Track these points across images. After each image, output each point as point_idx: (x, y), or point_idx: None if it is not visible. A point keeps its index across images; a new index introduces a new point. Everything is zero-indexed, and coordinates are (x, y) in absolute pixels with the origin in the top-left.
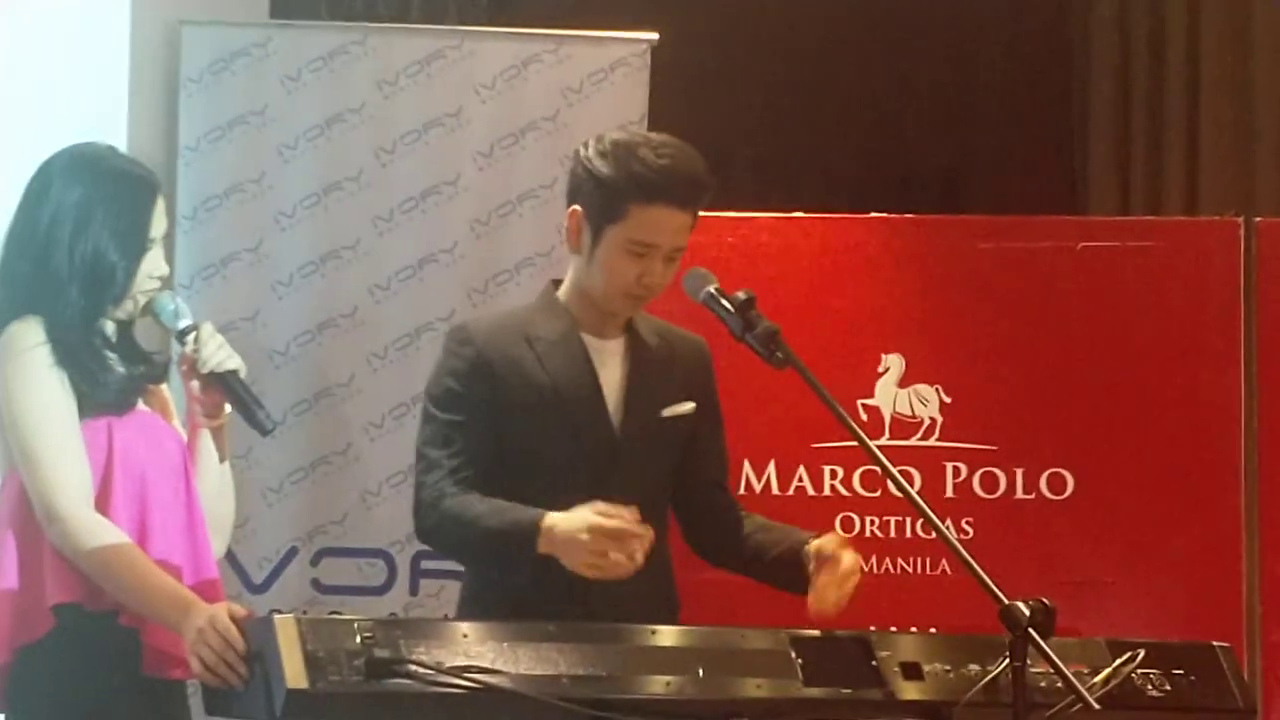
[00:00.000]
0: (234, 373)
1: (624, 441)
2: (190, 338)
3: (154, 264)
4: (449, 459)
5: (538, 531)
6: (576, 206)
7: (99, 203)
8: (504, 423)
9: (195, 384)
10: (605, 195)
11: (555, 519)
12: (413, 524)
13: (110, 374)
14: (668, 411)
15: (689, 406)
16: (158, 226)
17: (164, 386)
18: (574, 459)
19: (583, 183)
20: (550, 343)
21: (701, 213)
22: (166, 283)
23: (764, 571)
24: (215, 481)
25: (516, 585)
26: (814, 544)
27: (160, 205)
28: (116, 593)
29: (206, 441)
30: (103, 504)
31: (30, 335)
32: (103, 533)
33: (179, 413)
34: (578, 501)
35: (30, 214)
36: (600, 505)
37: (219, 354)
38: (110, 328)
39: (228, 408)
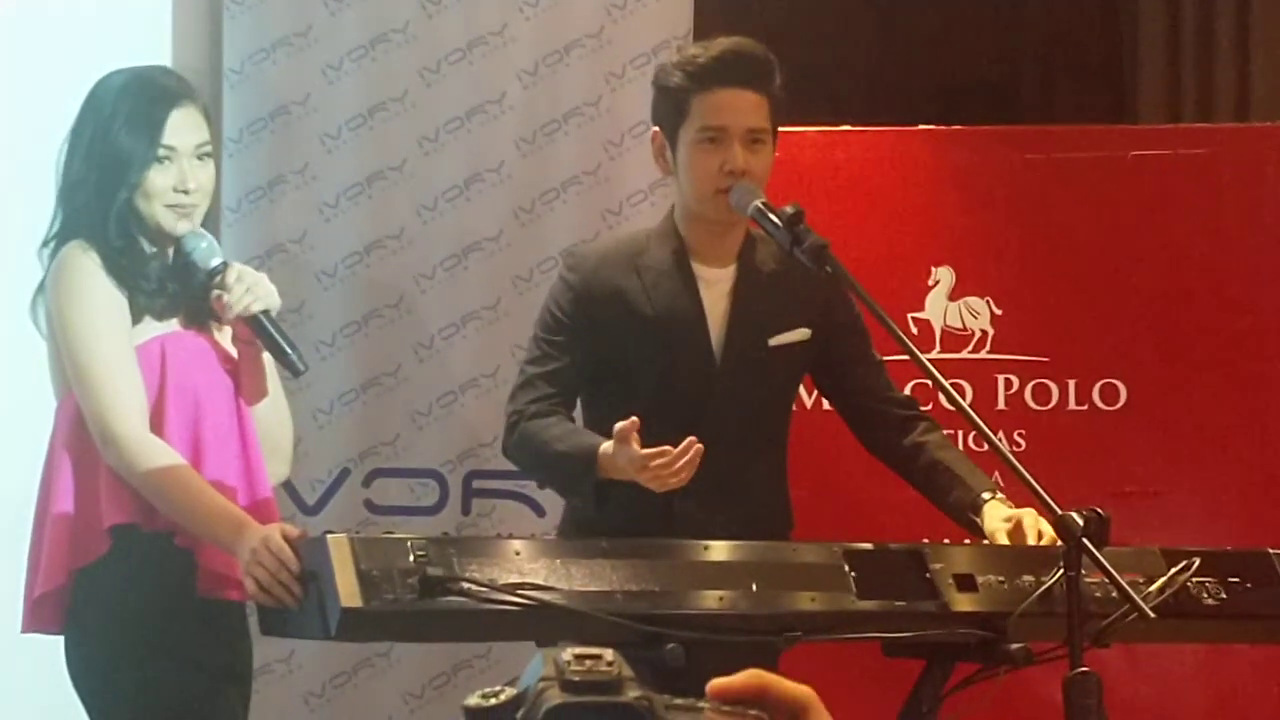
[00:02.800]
0: (265, 313)
1: (724, 372)
2: (218, 279)
3: (175, 176)
4: (539, 380)
5: (595, 456)
6: (655, 127)
7: (120, 105)
8: (603, 351)
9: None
10: (671, 101)
11: (608, 450)
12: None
13: (153, 274)
14: (776, 340)
15: (802, 333)
16: (177, 134)
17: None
18: (671, 389)
19: (654, 102)
20: (659, 272)
21: None
22: (214, 206)
23: (937, 502)
24: (273, 402)
25: (606, 516)
26: (1005, 525)
27: (181, 114)
28: (171, 513)
29: (260, 365)
30: (156, 424)
31: (82, 257)
32: (158, 453)
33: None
34: (673, 431)
35: (77, 131)
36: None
37: (245, 297)
38: (144, 242)
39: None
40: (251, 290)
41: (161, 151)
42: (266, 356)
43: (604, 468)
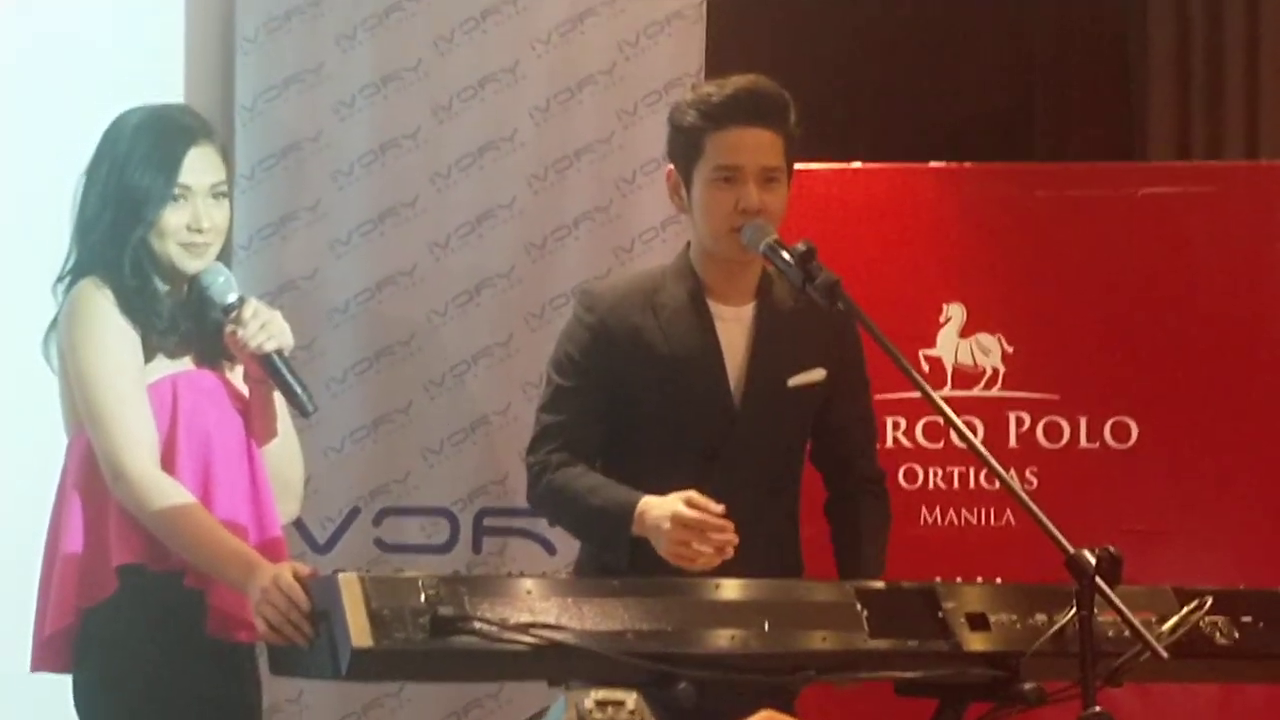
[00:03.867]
0: (277, 353)
1: (743, 413)
2: (233, 315)
3: (189, 214)
4: (558, 428)
5: (632, 513)
6: (670, 165)
7: (138, 143)
8: (621, 392)
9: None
10: (686, 140)
11: (649, 503)
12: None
13: (165, 312)
14: (794, 380)
15: (819, 374)
16: (193, 173)
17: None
18: (690, 430)
19: (669, 140)
20: (674, 310)
21: None
22: (226, 243)
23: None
24: (284, 440)
25: (619, 564)
26: None
27: (198, 154)
28: (182, 552)
29: (271, 404)
30: (167, 463)
31: (96, 294)
32: (170, 492)
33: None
34: (689, 472)
35: (93, 170)
36: (693, 495)
37: (259, 335)
38: (158, 280)
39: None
40: (266, 328)
41: (177, 190)
42: (278, 395)
43: (638, 524)
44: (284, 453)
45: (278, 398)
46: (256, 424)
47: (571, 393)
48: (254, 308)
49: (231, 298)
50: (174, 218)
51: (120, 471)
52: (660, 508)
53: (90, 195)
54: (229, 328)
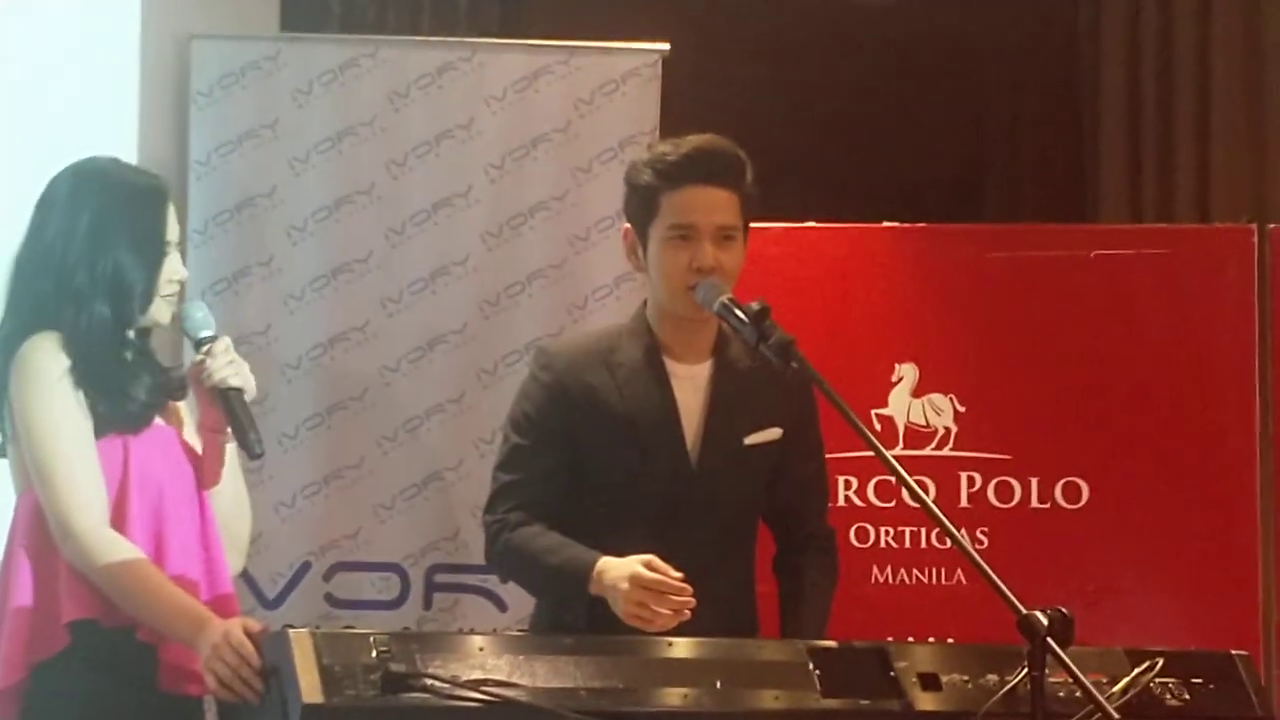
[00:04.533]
0: (236, 391)
1: (699, 472)
2: (205, 349)
3: (173, 268)
4: (515, 487)
5: (590, 573)
6: (626, 225)
7: (113, 217)
8: (578, 450)
9: (200, 395)
10: (641, 199)
11: (607, 563)
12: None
13: (131, 392)
14: (751, 439)
15: (775, 433)
16: (172, 230)
17: (181, 404)
18: (647, 489)
19: (626, 199)
20: (631, 369)
21: None
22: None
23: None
24: (233, 494)
25: (575, 623)
26: None
27: (171, 209)
28: (131, 609)
29: (225, 453)
30: (119, 519)
31: (48, 352)
32: (117, 548)
33: (192, 423)
34: (645, 530)
35: (43, 234)
36: (652, 558)
37: (225, 370)
38: (133, 339)
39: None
40: (234, 364)
41: (167, 248)
42: (230, 449)
43: (596, 584)
44: (232, 506)
45: (230, 451)
46: (205, 471)
47: (528, 451)
48: (227, 344)
49: (206, 332)
50: (164, 272)
51: (68, 530)
52: (619, 569)
53: (74, 275)
54: (197, 358)
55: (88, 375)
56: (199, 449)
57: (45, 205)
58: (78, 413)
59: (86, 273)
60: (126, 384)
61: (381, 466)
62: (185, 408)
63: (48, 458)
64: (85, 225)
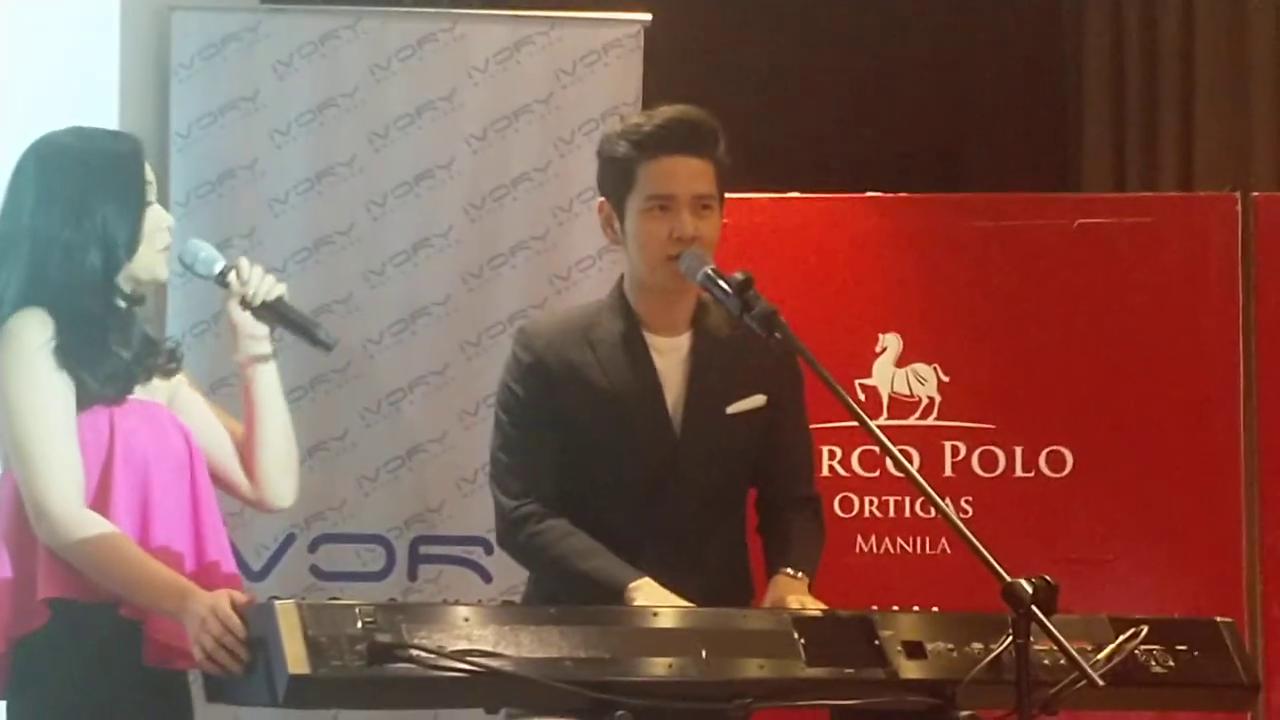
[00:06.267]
0: (281, 299)
1: (684, 443)
2: (232, 275)
3: (159, 215)
4: (524, 472)
5: (622, 594)
6: (602, 198)
7: (90, 178)
8: (564, 427)
9: (244, 320)
10: (617, 171)
11: (639, 591)
12: (495, 528)
13: (114, 360)
14: (734, 408)
15: (758, 400)
16: (151, 179)
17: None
18: (632, 462)
19: (600, 172)
20: (611, 344)
21: None
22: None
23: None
24: (284, 422)
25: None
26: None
27: (147, 163)
28: (111, 586)
29: (264, 382)
30: (103, 493)
31: (32, 328)
32: (89, 525)
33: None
34: (633, 503)
35: (18, 214)
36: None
37: (265, 283)
38: (121, 306)
39: (267, 347)
40: (267, 276)
41: (149, 195)
42: (273, 375)
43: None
44: (285, 437)
45: (275, 378)
46: (249, 413)
47: (524, 433)
48: (247, 262)
49: (219, 265)
50: (150, 221)
51: (41, 511)
52: (652, 599)
53: (37, 244)
54: (234, 286)
55: (74, 340)
56: (191, 424)
57: (16, 186)
58: (58, 392)
59: (74, 229)
60: (112, 343)
61: (365, 438)
62: (171, 385)
63: (24, 440)
64: (62, 191)
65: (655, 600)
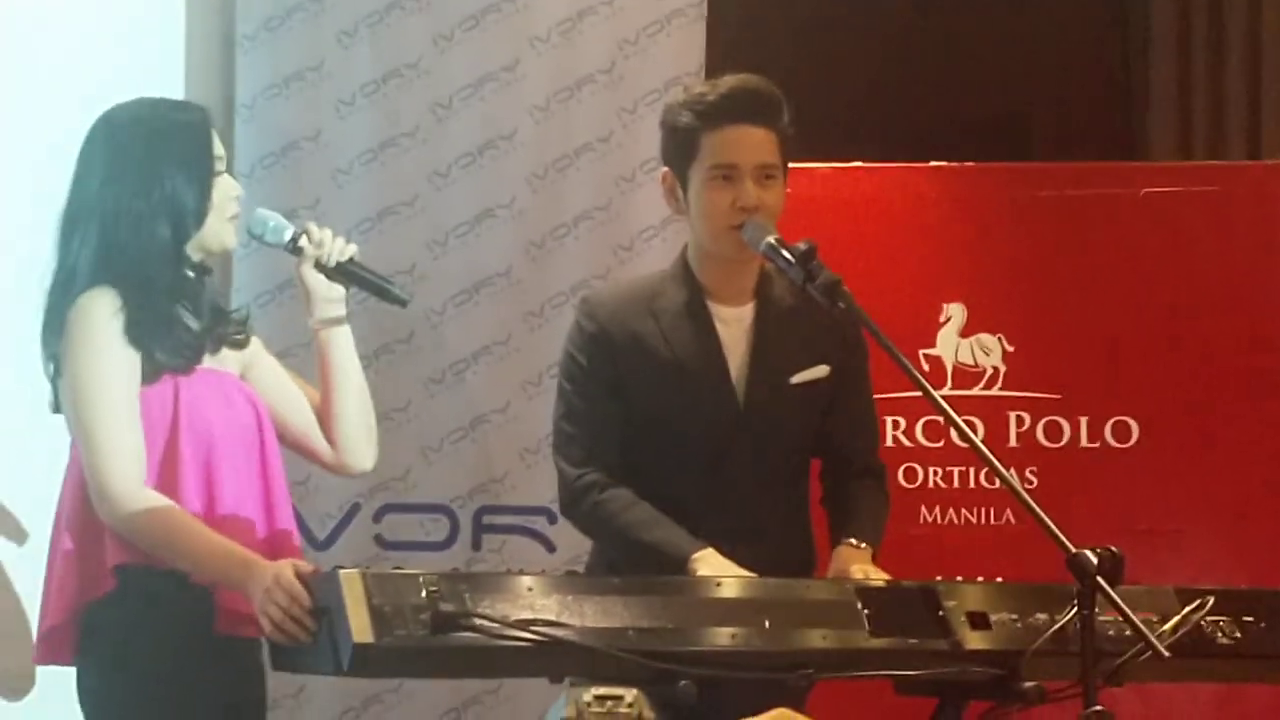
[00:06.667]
0: (354, 259)
1: (748, 413)
2: (304, 239)
3: (227, 184)
4: (588, 442)
5: (685, 565)
6: (665, 168)
7: (159, 147)
8: (628, 397)
9: (319, 284)
10: (680, 141)
11: (702, 561)
12: (558, 496)
13: (183, 331)
14: (798, 378)
15: (822, 371)
16: (219, 150)
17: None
18: (695, 432)
19: (663, 142)
20: (675, 314)
21: None
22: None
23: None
24: (360, 385)
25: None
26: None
27: (214, 132)
28: (174, 560)
29: (340, 345)
30: (169, 463)
31: (100, 306)
32: (147, 500)
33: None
34: (696, 474)
35: (88, 184)
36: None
37: (337, 245)
38: (190, 276)
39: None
40: (337, 240)
41: (217, 165)
42: (347, 340)
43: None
44: (361, 400)
45: (350, 342)
46: (325, 378)
47: (585, 398)
48: (315, 226)
49: (289, 232)
50: (220, 189)
51: (103, 490)
52: (715, 570)
53: (106, 215)
54: (308, 250)
55: (142, 313)
56: (269, 392)
57: (85, 158)
58: (121, 371)
59: (143, 200)
60: (181, 314)
61: (429, 409)
62: (244, 356)
63: (87, 421)
64: (130, 162)
65: (718, 571)
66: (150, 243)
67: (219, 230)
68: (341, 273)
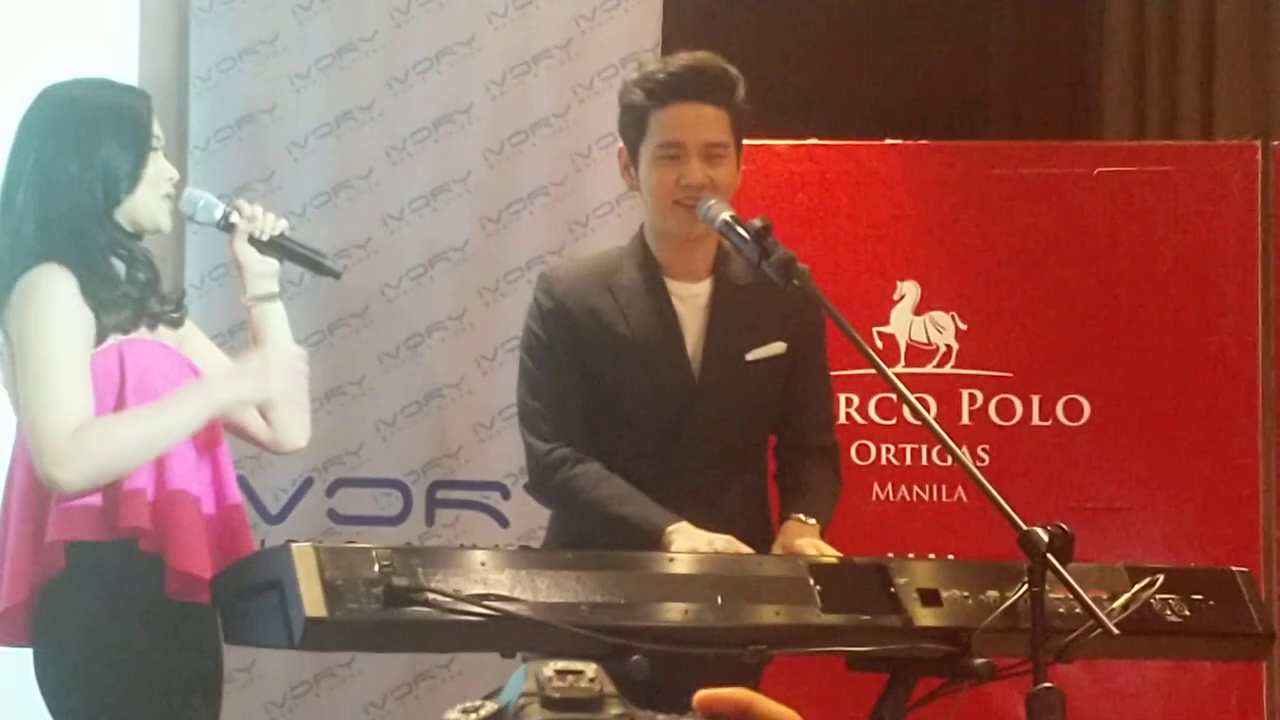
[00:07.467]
0: (284, 234)
1: (703, 389)
2: (235, 215)
3: (161, 165)
4: (553, 418)
5: (660, 537)
6: (620, 145)
7: (98, 122)
8: (585, 372)
9: (251, 259)
10: (632, 118)
11: (677, 534)
12: (527, 472)
13: (124, 290)
14: (753, 355)
15: (778, 348)
16: (158, 130)
17: (188, 323)
18: (652, 408)
19: (619, 119)
20: (632, 291)
21: None
22: (177, 221)
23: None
24: (297, 353)
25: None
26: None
27: (154, 115)
28: (159, 440)
29: (273, 322)
30: None
31: (54, 277)
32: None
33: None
34: (652, 450)
35: (25, 151)
36: (728, 539)
37: (269, 220)
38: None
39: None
40: (268, 215)
41: (154, 143)
42: (279, 313)
43: (664, 548)
44: (298, 370)
45: (283, 314)
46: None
47: (550, 377)
48: (246, 202)
49: (220, 209)
50: (154, 166)
51: (40, 450)
52: (691, 541)
53: (43, 180)
54: (240, 226)
55: (89, 275)
56: (193, 362)
57: (25, 127)
58: (79, 345)
59: (77, 163)
60: (119, 270)
61: (383, 383)
62: (179, 334)
63: (43, 381)
64: (68, 132)
65: (693, 543)
66: (85, 200)
67: (150, 204)
68: (274, 247)
